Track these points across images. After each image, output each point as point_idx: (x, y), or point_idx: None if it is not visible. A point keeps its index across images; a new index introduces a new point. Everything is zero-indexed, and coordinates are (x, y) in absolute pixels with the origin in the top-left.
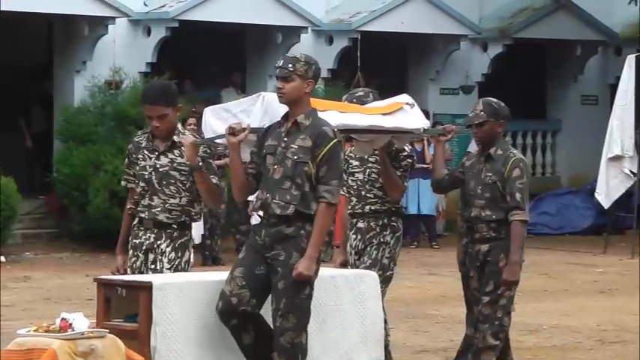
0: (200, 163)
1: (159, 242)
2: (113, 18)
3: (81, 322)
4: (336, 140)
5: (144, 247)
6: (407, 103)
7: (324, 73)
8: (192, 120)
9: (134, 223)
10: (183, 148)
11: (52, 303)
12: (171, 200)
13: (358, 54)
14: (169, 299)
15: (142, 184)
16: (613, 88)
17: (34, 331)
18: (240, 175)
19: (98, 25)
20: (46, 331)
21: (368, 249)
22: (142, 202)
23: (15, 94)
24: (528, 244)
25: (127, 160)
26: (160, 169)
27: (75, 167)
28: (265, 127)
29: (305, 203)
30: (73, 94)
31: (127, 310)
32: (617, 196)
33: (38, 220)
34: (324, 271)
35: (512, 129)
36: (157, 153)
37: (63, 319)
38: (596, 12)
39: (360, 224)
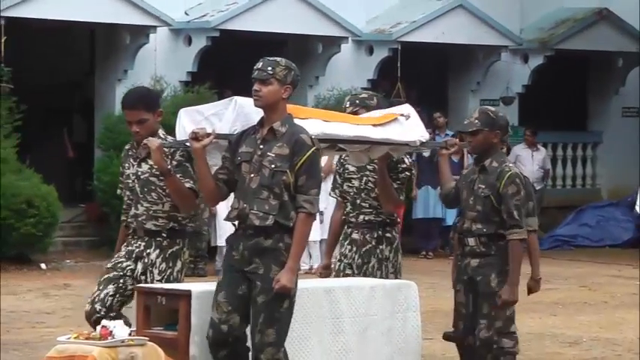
0: (169, 167)
1: (148, 251)
2: (155, 27)
3: (121, 329)
4: (314, 148)
5: (134, 254)
6: (402, 115)
7: (364, 84)
8: None
9: (129, 233)
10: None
11: None
12: (155, 207)
13: (398, 64)
14: (209, 308)
15: (127, 192)
16: None
17: (75, 338)
18: (208, 182)
19: (140, 34)
20: (86, 339)
21: (370, 269)
22: (130, 211)
23: (57, 104)
24: (568, 255)
25: (120, 168)
26: (142, 177)
27: (115, 176)
28: (235, 132)
29: (284, 213)
30: (114, 103)
31: (166, 318)
32: None
33: (79, 228)
34: (364, 282)
35: (552, 140)
36: (138, 160)
37: (103, 326)
38: (637, 24)
39: (355, 235)
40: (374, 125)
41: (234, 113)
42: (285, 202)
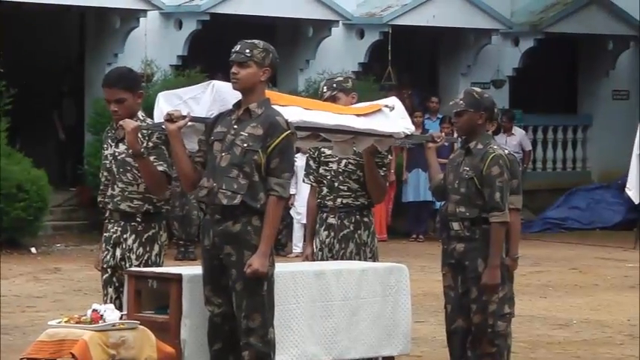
0: (142, 149)
1: (125, 236)
2: (145, 11)
3: (112, 313)
4: (289, 132)
5: (112, 241)
6: (386, 106)
7: (355, 67)
8: None
9: (105, 216)
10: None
11: (82, 295)
12: (130, 188)
13: (389, 48)
14: (199, 292)
15: (104, 173)
16: None
17: (66, 322)
18: (184, 165)
19: (130, 17)
20: (77, 323)
21: (348, 254)
22: (107, 192)
23: (47, 87)
24: (559, 238)
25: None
26: (118, 157)
27: None
28: (212, 116)
29: (252, 194)
30: None
31: (157, 302)
32: None
33: (69, 212)
34: (355, 265)
35: (542, 123)
36: (116, 140)
37: (94, 310)
38: (628, 7)
39: (331, 220)
40: (357, 115)
41: (212, 97)
42: (254, 183)
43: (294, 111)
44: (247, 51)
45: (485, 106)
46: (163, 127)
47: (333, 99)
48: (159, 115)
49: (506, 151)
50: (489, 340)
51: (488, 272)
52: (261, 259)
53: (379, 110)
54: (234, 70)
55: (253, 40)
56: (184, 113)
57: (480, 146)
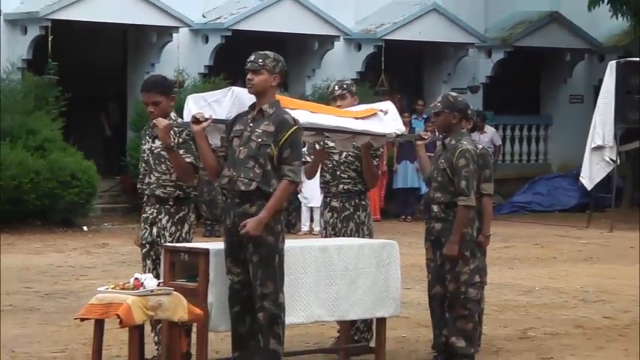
0: (173, 144)
1: (160, 217)
2: (177, 28)
3: (151, 281)
4: (295, 127)
5: (149, 221)
6: (381, 110)
7: (353, 75)
8: None
9: (143, 200)
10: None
11: (126, 265)
12: (164, 177)
13: (382, 59)
14: (223, 264)
15: (143, 164)
16: (596, 89)
17: (112, 288)
18: (209, 158)
19: (164, 33)
20: (122, 289)
21: (349, 232)
22: (145, 180)
23: (96, 92)
24: (524, 219)
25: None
26: (155, 151)
27: None
28: (231, 117)
29: (266, 181)
30: None
31: (188, 272)
32: (599, 179)
33: (114, 197)
34: (353, 241)
35: (511, 122)
36: (153, 137)
37: (136, 278)
38: (583, 24)
39: (334, 203)
40: (356, 118)
41: (232, 101)
42: (267, 171)
43: (302, 114)
44: (260, 60)
45: (459, 107)
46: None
47: (342, 97)
48: (187, 115)
49: (480, 146)
50: (462, 304)
51: (448, 245)
52: (257, 224)
53: (375, 114)
54: (249, 76)
55: (265, 52)
56: (208, 115)
57: (453, 142)
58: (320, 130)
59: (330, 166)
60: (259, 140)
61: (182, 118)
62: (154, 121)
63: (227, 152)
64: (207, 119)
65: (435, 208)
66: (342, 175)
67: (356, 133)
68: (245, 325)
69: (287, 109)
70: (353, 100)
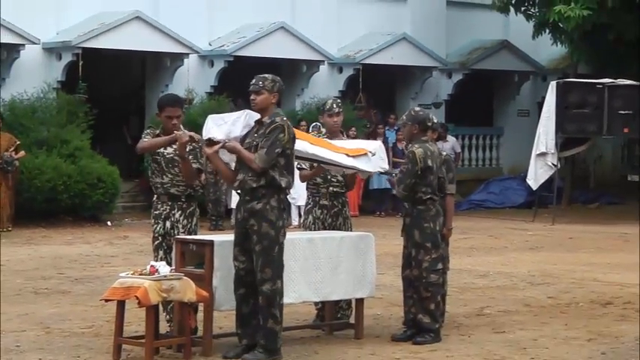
0: (186, 154)
1: (173, 212)
2: (187, 54)
3: (164, 268)
4: (278, 123)
5: (162, 216)
6: (370, 152)
7: (335, 93)
8: None
9: (154, 199)
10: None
11: (143, 255)
12: (177, 178)
13: (360, 80)
14: (226, 252)
15: (154, 165)
16: (540, 105)
17: (132, 274)
18: (225, 172)
19: (177, 59)
20: (139, 275)
21: (337, 225)
22: (156, 179)
23: (118, 108)
24: (480, 214)
25: (144, 135)
26: (167, 156)
27: None
28: (243, 134)
29: (267, 177)
30: None
31: (196, 260)
32: (542, 180)
33: (134, 197)
34: (336, 234)
35: (469, 133)
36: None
37: (152, 266)
38: (529, 50)
39: (324, 202)
40: (347, 155)
41: (245, 121)
42: (268, 170)
43: (303, 144)
44: (260, 83)
45: (419, 120)
46: (207, 139)
47: (337, 114)
48: (206, 132)
49: (444, 153)
50: (424, 287)
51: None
52: (234, 145)
53: (365, 154)
54: (252, 97)
55: (265, 75)
56: (226, 131)
57: (410, 148)
58: (316, 161)
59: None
60: (255, 143)
61: (188, 130)
62: (177, 134)
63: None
64: (217, 142)
65: (406, 204)
66: (332, 180)
67: (346, 167)
68: (248, 305)
69: (284, 118)
70: (342, 116)
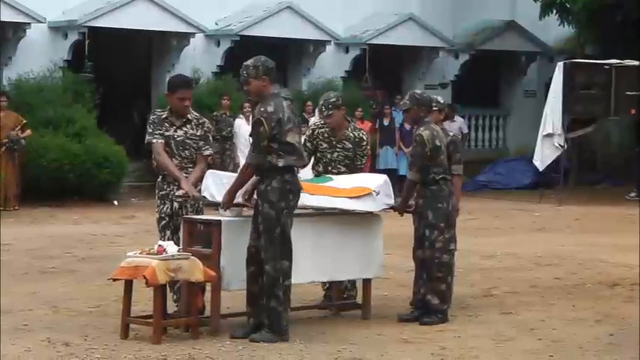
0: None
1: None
2: (194, 33)
3: (172, 248)
4: (257, 117)
5: (170, 197)
6: (374, 191)
7: (342, 74)
8: (247, 104)
9: (158, 180)
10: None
11: (150, 234)
12: (186, 160)
13: (367, 60)
14: (233, 232)
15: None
16: (547, 86)
17: (139, 254)
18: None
19: (183, 38)
20: (147, 254)
21: None
22: None
23: (125, 87)
24: (486, 195)
25: (152, 125)
26: (178, 139)
27: None
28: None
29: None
30: (165, 87)
31: (204, 240)
32: (549, 161)
33: (141, 176)
34: (344, 215)
35: (475, 113)
36: (174, 127)
37: (159, 245)
38: (536, 31)
39: None
40: (350, 197)
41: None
42: (270, 150)
43: (303, 197)
44: (245, 73)
45: (424, 102)
46: (205, 197)
47: (329, 116)
48: (205, 187)
49: (451, 134)
50: (437, 267)
51: (397, 204)
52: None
53: (369, 194)
54: (245, 89)
55: (246, 62)
56: (224, 192)
57: (416, 131)
58: (317, 210)
59: (324, 161)
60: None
61: (198, 111)
62: (187, 192)
63: None
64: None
65: (418, 186)
66: (333, 171)
67: (349, 212)
68: (257, 284)
69: (271, 103)
70: (341, 112)
